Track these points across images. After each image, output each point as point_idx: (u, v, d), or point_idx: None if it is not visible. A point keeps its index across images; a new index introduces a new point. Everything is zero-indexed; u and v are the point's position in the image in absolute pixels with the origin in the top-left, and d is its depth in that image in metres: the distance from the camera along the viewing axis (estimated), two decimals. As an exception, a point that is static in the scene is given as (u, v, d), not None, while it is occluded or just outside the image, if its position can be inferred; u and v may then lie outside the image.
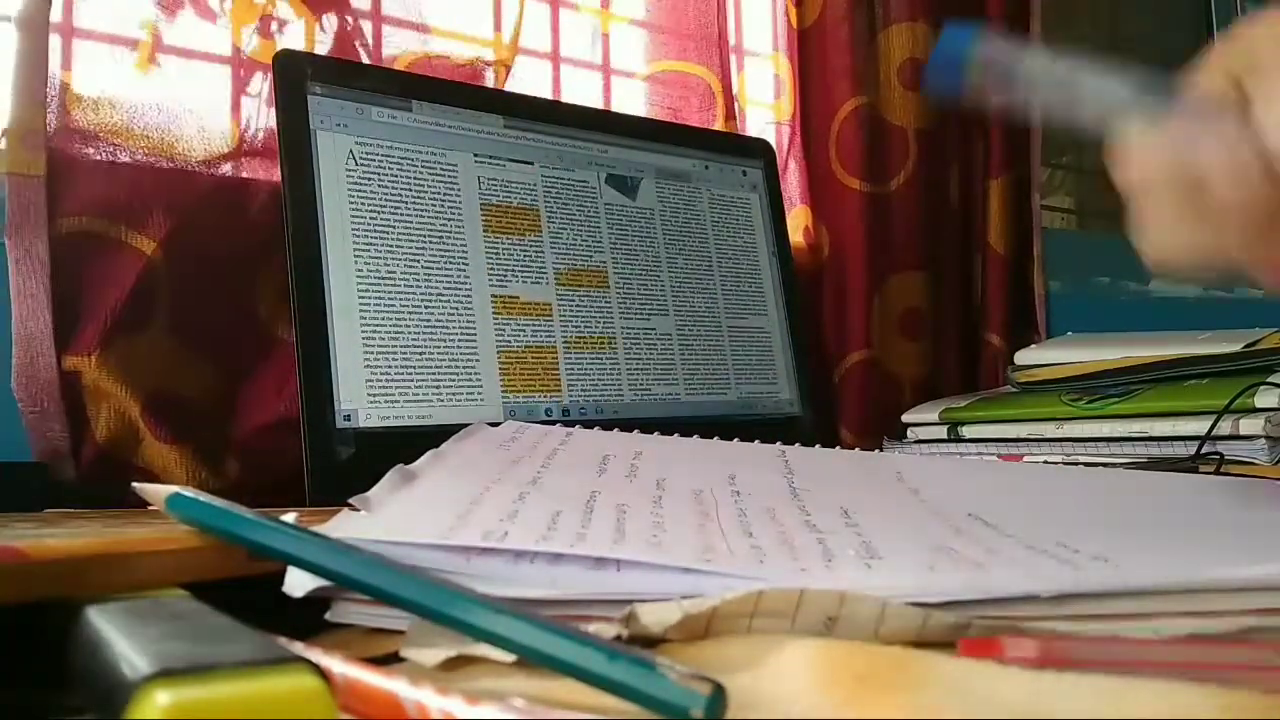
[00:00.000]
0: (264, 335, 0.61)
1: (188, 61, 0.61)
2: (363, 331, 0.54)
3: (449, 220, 0.59)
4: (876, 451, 0.62)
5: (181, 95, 0.60)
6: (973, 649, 0.23)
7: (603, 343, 0.64)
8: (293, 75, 0.55)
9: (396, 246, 0.56)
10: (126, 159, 0.58)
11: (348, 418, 0.52)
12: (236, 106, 0.62)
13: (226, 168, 0.61)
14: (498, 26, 0.73)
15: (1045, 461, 0.66)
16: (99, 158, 0.57)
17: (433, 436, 0.44)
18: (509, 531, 0.29)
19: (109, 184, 0.56)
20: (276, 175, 0.57)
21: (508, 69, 0.71)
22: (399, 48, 0.68)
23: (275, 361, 0.60)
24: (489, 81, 0.70)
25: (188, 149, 0.60)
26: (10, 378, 0.53)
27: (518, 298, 0.60)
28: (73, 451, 0.53)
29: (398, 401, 0.54)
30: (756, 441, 0.51)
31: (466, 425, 0.48)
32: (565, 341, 0.62)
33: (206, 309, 0.59)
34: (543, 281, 0.62)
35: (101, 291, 0.55)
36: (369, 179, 0.56)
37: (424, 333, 0.56)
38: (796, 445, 0.51)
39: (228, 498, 0.29)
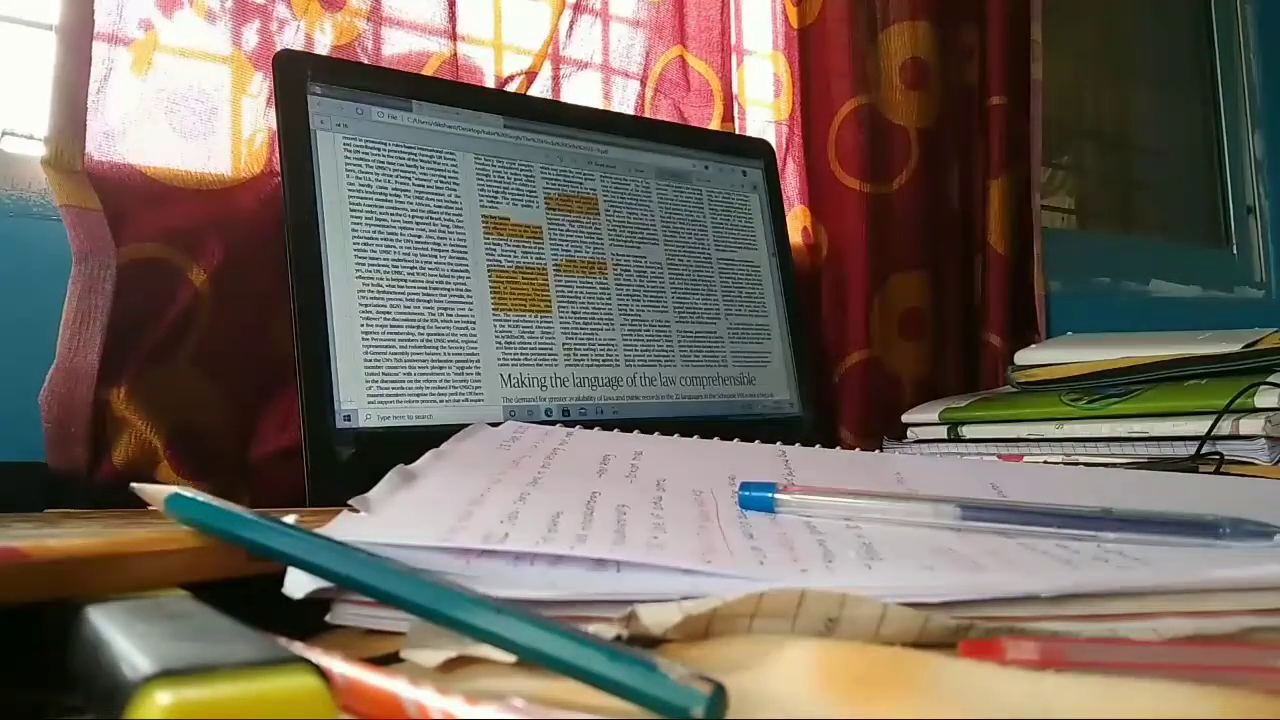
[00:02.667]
0: (278, 366, 0.59)
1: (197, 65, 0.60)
2: (363, 331, 0.54)
3: (449, 220, 0.59)
4: (877, 452, 0.62)
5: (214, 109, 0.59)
6: (974, 651, 0.23)
7: (603, 343, 0.63)
8: (293, 75, 0.55)
9: (396, 246, 0.56)
10: (170, 181, 0.56)
11: (348, 418, 0.52)
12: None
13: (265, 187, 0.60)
14: (498, 26, 0.73)
15: (1045, 461, 0.66)
16: (148, 183, 0.55)
17: (433, 436, 0.44)
18: (509, 533, 0.29)
19: (159, 210, 0.55)
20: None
21: (532, 78, 0.71)
22: (420, 49, 0.67)
23: (287, 393, 0.58)
24: (512, 88, 0.70)
25: (222, 169, 0.59)
26: (20, 380, 0.52)
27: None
28: (87, 471, 0.53)
29: (398, 401, 0.54)
30: (756, 441, 0.51)
31: (466, 425, 0.48)
32: (565, 342, 0.62)
33: (232, 339, 0.58)
34: (543, 281, 0.62)
35: (145, 324, 0.54)
36: (369, 179, 0.56)
37: (424, 333, 0.56)
38: (797, 445, 0.51)
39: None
